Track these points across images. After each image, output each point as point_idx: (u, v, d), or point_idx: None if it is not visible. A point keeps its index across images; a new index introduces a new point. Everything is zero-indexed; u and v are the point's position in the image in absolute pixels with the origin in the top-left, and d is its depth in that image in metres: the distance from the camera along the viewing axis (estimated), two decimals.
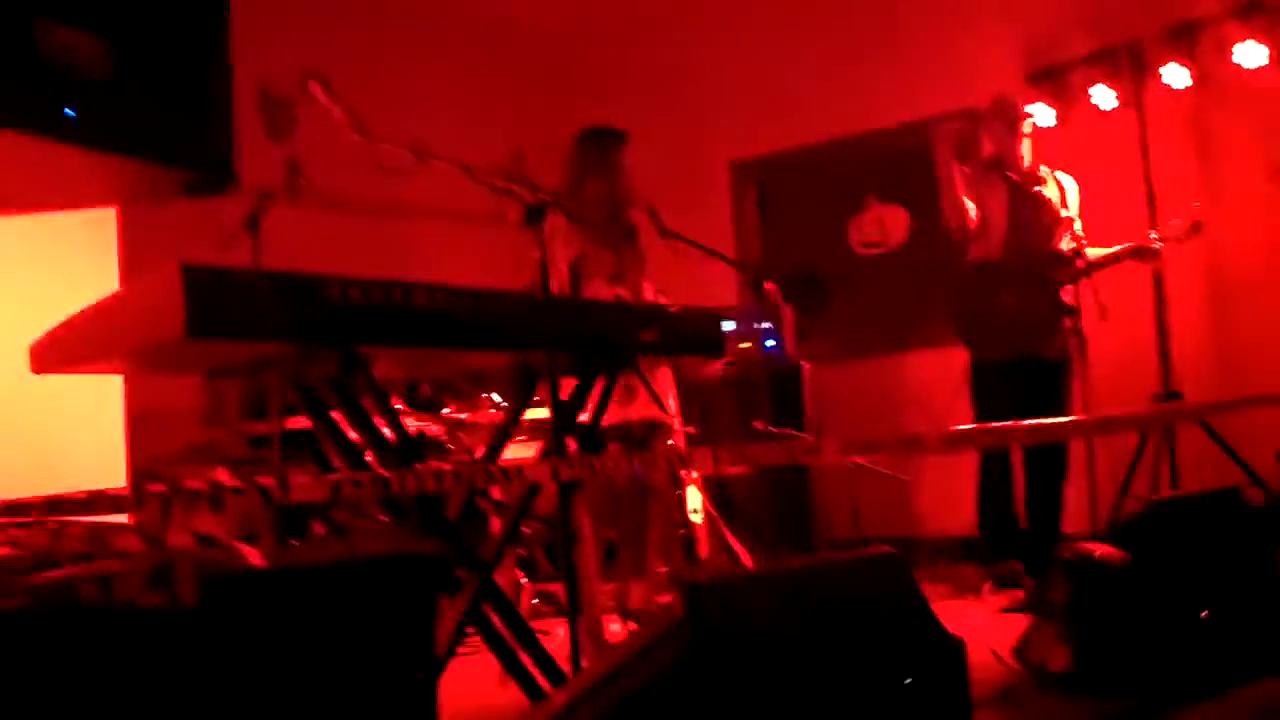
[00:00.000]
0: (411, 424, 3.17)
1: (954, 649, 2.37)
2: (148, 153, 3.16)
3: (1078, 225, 5.33)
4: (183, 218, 4.57)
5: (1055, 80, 6.39)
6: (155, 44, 3.23)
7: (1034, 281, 5.28)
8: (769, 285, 4.89)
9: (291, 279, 2.56)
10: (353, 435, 2.95)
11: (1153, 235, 5.29)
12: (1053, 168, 5.41)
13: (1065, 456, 5.38)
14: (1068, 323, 5.30)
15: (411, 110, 4.11)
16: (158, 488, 1.61)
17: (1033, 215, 5.35)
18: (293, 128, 5.29)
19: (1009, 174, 5.35)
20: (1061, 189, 5.38)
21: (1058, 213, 5.36)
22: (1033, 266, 5.25)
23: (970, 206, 5.26)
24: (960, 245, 5.40)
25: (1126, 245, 5.33)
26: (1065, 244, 5.31)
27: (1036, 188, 5.37)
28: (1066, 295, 5.34)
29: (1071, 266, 5.28)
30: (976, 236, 5.33)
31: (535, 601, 4.97)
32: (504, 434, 3.30)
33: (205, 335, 2.41)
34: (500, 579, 3.53)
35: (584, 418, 3.33)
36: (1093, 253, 5.34)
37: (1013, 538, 5.30)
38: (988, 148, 5.47)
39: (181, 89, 3.26)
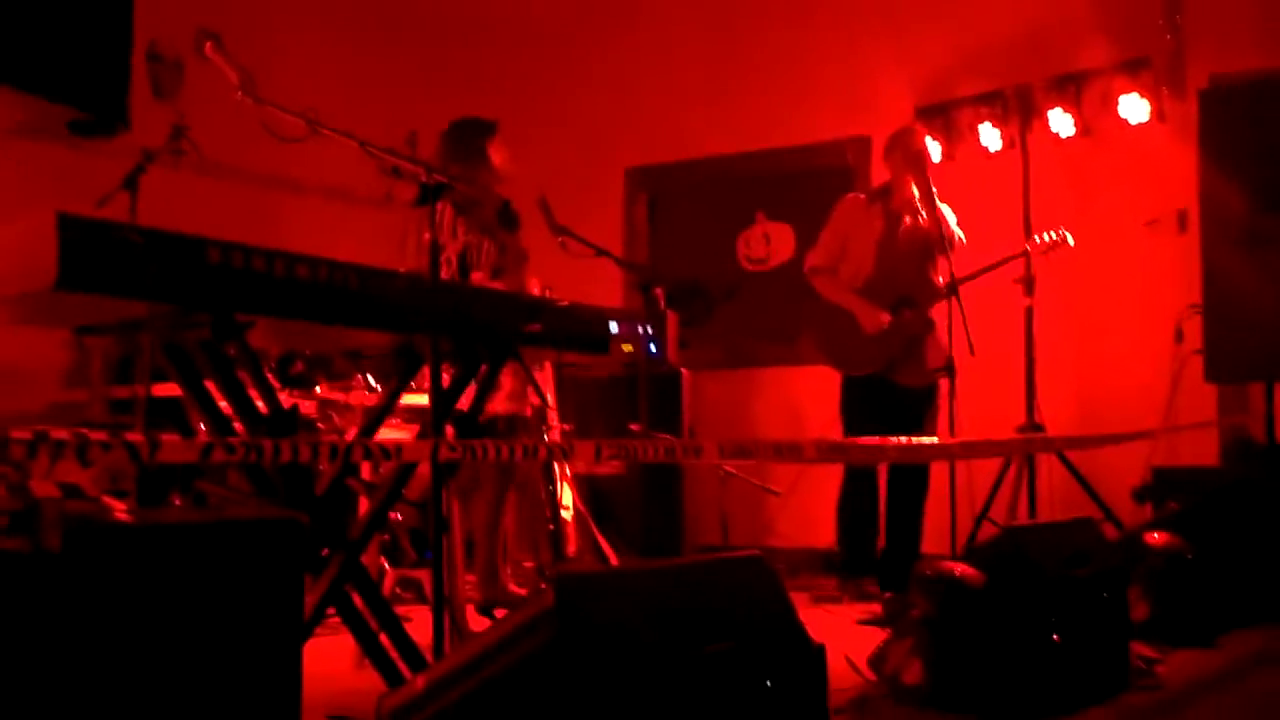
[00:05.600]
0: (283, 400, 3.12)
1: (815, 655, 2.40)
2: (33, 84, 3.02)
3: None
4: (57, 168, 4.43)
5: (944, 116, 6.53)
6: None
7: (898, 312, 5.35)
8: (657, 290, 4.92)
9: (172, 238, 2.50)
10: (223, 405, 2.88)
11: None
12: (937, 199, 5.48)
13: (926, 477, 5.48)
14: (930, 352, 5.37)
15: (306, 87, 4.02)
16: (23, 434, 1.55)
17: (907, 247, 5.41)
18: (179, 88, 5.17)
19: (890, 205, 5.42)
20: (944, 220, 5.45)
21: (934, 246, 5.41)
22: (900, 297, 5.32)
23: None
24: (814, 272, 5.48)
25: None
26: (939, 277, 5.37)
27: (915, 218, 5.43)
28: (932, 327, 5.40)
29: (937, 292, 5.33)
30: (844, 263, 5.40)
31: (397, 589, 4.91)
32: (380, 413, 3.25)
33: (77, 289, 2.34)
34: (363, 561, 3.48)
35: (463, 405, 3.30)
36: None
37: (871, 554, 5.39)
38: (877, 178, 5.53)
39: (77, 23, 3.13)
